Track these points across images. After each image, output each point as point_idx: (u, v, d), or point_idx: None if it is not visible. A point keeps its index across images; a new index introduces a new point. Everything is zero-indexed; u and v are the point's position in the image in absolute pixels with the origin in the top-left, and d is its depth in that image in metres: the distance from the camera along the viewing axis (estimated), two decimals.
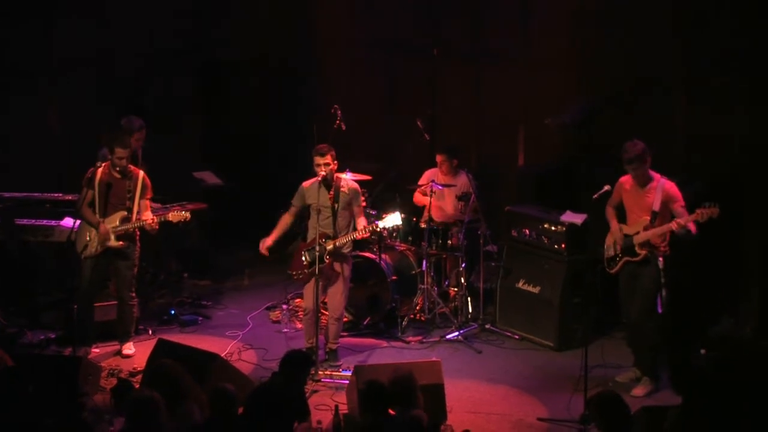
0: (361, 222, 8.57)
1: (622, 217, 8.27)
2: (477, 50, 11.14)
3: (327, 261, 8.38)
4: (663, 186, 7.94)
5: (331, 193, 8.50)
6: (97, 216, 8.53)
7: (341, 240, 8.44)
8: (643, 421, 6.46)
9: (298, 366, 6.84)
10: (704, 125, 9.21)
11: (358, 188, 8.72)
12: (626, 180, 8.16)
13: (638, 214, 8.08)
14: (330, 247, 8.38)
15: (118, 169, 8.53)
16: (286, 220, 8.72)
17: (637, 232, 8.03)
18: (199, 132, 12.30)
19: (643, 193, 8.04)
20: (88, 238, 8.54)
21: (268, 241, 8.65)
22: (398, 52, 11.77)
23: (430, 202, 9.56)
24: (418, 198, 9.95)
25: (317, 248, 8.23)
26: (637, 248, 8.04)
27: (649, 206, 7.97)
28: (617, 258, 8.19)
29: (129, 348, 8.78)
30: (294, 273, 8.73)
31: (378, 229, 8.52)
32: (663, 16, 9.57)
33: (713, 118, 9.14)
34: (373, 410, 6.29)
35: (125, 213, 8.55)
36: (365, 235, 8.61)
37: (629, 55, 9.77)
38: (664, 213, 7.93)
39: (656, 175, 8.02)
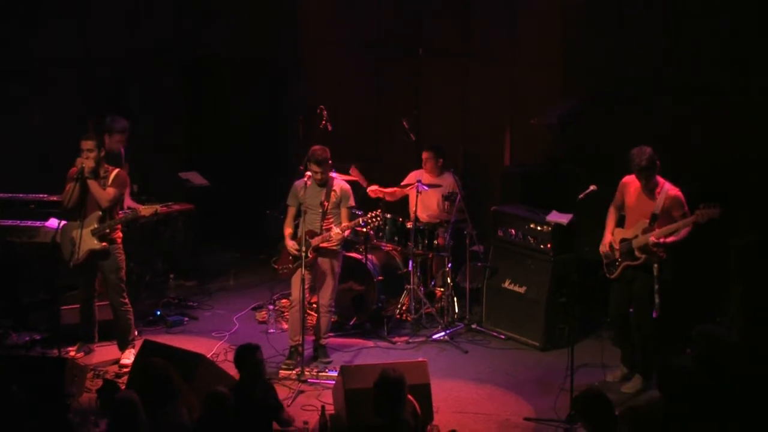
0: (344, 223, 8.58)
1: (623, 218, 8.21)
2: (463, 50, 11.13)
3: (311, 256, 8.45)
4: (666, 191, 7.87)
5: (323, 193, 8.52)
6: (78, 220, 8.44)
7: (322, 238, 8.46)
8: (628, 421, 6.47)
9: (244, 360, 6.84)
10: (689, 126, 9.23)
11: (349, 190, 8.73)
12: (630, 180, 8.06)
13: (638, 217, 7.98)
14: (315, 243, 8.43)
15: (87, 168, 8.33)
16: (289, 224, 8.70)
17: (636, 236, 7.97)
18: (185, 132, 12.26)
19: (647, 197, 7.94)
20: (71, 248, 8.43)
21: (289, 243, 8.60)
22: (383, 51, 11.75)
23: (417, 203, 9.55)
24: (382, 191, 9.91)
25: (303, 245, 8.36)
26: (636, 252, 7.96)
27: (651, 210, 7.89)
28: (617, 263, 8.12)
29: (127, 357, 8.57)
30: (279, 267, 8.79)
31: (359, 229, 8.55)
32: (649, 16, 9.58)
33: (698, 119, 9.16)
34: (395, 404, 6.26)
35: (101, 213, 8.42)
36: (342, 236, 8.59)
37: (615, 55, 9.78)
38: (665, 217, 7.87)
39: (660, 180, 7.93)
